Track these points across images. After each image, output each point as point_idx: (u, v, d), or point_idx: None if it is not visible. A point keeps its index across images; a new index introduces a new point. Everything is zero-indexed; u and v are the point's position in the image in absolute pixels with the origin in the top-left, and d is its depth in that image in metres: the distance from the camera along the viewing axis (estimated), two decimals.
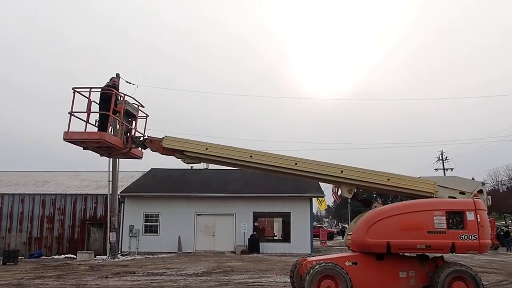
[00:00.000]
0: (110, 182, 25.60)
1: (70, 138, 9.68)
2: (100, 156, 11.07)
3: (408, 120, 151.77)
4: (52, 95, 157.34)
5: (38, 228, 28.71)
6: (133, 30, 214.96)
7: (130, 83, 26.73)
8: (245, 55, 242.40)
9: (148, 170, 33.73)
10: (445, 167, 50.95)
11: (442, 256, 9.17)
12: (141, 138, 10.59)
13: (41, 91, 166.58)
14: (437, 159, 52.21)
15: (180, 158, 10.20)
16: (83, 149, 10.36)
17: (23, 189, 30.43)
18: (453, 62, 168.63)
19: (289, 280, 10.89)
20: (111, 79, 11.15)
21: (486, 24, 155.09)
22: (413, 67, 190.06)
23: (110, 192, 25.70)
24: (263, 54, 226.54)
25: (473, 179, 10.32)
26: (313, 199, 29.37)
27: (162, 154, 10.24)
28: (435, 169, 51.36)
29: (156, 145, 10.19)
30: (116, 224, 25.44)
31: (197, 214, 27.61)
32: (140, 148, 10.70)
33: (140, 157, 11.19)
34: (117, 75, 26.22)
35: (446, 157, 51.57)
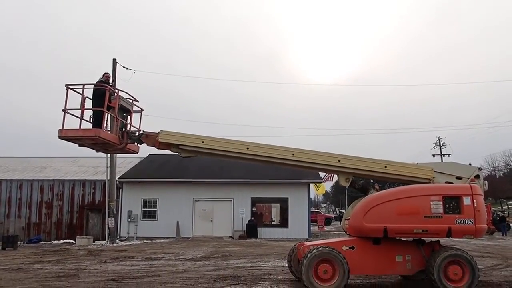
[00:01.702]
0: (108, 168, 25.63)
1: (65, 135, 9.66)
2: (96, 152, 11.06)
3: (406, 106, 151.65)
4: (49, 79, 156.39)
5: (36, 213, 28.78)
6: (132, 15, 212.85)
7: (127, 68, 26.56)
8: (245, 40, 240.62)
9: (146, 156, 33.71)
10: (442, 153, 51.13)
11: (438, 241, 9.25)
12: (137, 133, 10.57)
13: (39, 76, 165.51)
14: (434, 144, 52.38)
15: (176, 152, 10.20)
16: (79, 146, 10.38)
17: (21, 175, 30.43)
18: (452, 47, 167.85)
19: (286, 265, 10.99)
20: (104, 75, 11.03)
21: (487, 10, 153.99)
22: (411, 53, 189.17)
23: (108, 178, 25.76)
24: (263, 39, 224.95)
25: (470, 164, 10.34)
26: (311, 184, 29.49)
27: (158, 148, 10.28)
28: (433, 154, 51.57)
29: (152, 139, 10.19)
30: (114, 209, 25.51)
31: (195, 200, 27.71)
32: (136, 143, 10.69)
33: (136, 152, 11.24)
34: (114, 60, 26.06)
35: (444, 142, 51.73)
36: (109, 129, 10.26)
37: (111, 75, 12.43)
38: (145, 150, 21.85)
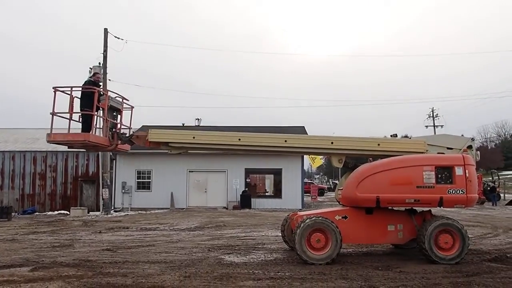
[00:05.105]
0: None
1: (54, 139, 9.56)
2: (87, 152, 10.93)
3: (399, 77, 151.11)
4: (38, 47, 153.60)
5: (30, 185, 28.73)
6: None
7: (118, 38, 26.08)
8: (242, 10, 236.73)
9: (139, 127, 33.47)
10: (435, 124, 51.37)
11: (429, 210, 9.36)
12: (127, 134, 10.46)
13: (26, 43, 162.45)
14: (428, 116, 52.54)
15: (166, 150, 10.10)
16: (68, 147, 10.28)
17: (13, 146, 30.20)
18: (449, 18, 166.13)
19: (280, 234, 11.12)
20: (94, 74, 10.77)
21: None
22: (404, 23, 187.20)
23: None
24: (260, 9, 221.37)
25: (462, 135, 10.35)
26: (305, 156, 29.59)
27: (149, 147, 10.20)
28: (426, 126, 51.84)
29: (142, 139, 10.05)
30: (108, 181, 25.53)
31: (189, 171, 27.76)
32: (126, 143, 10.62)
33: (127, 150, 11.20)
34: (105, 30, 25.57)
35: (437, 114, 51.94)
36: (100, 127, 10.12)
37: (101, 75, 12.40)
38: (138, 122, 21.74)
